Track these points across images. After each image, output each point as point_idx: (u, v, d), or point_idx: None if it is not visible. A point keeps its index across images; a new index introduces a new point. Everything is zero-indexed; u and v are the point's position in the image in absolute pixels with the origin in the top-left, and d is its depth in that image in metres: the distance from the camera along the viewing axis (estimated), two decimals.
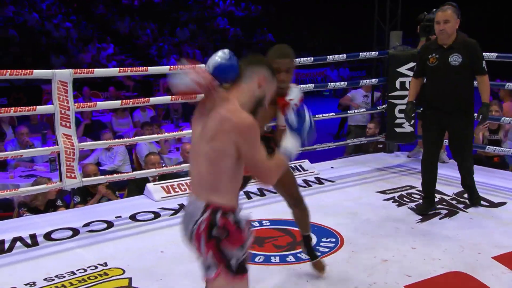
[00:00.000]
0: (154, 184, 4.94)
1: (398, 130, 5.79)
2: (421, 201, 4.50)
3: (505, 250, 3.56)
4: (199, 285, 3.12)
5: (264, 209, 4.50)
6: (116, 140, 6.37)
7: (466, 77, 4.02)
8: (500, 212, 4.38)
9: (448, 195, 4.74)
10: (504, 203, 4.57)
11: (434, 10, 5.65)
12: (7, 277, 3.33)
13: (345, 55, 5.95)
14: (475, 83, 4.18)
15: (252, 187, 4.74)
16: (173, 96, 4.91)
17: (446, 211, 4.38)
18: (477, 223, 4.13)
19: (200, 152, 2.04)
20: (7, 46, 16.07)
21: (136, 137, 6.14)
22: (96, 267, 3.43)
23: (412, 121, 4.74)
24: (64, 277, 3.31)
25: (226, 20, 22.61)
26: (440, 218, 4.22)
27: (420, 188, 4.64)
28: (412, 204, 4.53)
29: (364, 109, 7.17)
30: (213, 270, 1.98)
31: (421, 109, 4.50)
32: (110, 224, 4.23)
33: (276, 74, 2.22)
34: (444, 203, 4.56)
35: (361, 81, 6.76)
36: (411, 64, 5.58)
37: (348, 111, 7.42)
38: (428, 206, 4.29)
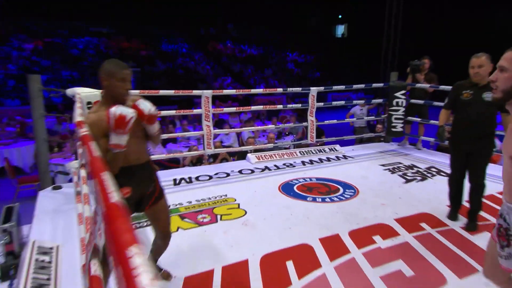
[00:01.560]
0: (251, 154, 5.04)
1: (393, 129, 5.69)
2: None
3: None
4: (275, 210, 3.38)
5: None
6: (232, 129, 6.70)
7: (494, 110, 2.89)
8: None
9: (421, 168, 4.58)
10: None
11: (422, 57, 5.51)
12: (177, 198, 3.56)
13: (363, 85, 5.88)
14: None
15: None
16: (264, 106, 5.12)
17: (420, 178, 4.22)
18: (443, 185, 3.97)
19: None
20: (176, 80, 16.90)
21: (242, 128, 6.42)
22: (221, 197, 3.61)
23: (445, 141, 3.40)
24: (204, 200, 3.52)
25: (293, 64, 22.49)
26: (416, 182, 4.12)
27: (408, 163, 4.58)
28: (400, 173, 4.40)
29: (363, 118, 7.14)
30: None
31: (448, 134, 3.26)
32: (228, 174, 4.38)
33: None
34: (419, 172, 4.40)
35: (372, 100, 6.66)
36: (403, 91, 5.48)
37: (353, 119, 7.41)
38: (453, 214, 3.13)
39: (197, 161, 5.13)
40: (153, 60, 18.86)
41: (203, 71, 19.33)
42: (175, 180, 4.18)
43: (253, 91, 5.55)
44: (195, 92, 4.50)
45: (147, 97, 1.96)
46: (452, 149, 3.12)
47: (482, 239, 2.70)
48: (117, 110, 1.66)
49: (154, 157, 4.15)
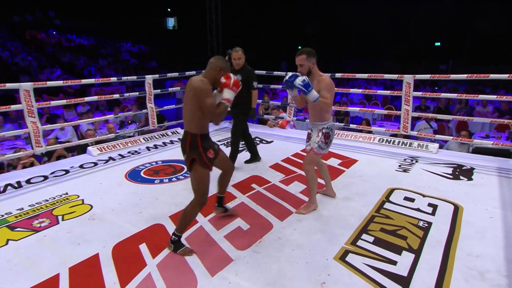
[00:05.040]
0: (92, 147, 4.43)
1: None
2: None
3: None
4: (123, 198, 3.09)
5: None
6: (66, 123, 5.68)
7: (245, 89, 3.38)
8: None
9: None
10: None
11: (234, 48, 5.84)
12: (3, 207, 2.85)
13: (195, 71, 5.86)
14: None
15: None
16: (99, 96, 4.50)
17: None
18: (267, 151, 4.44)
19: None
20: None
21: (79, 121, 5.52)
22: (61, 196, 3.08)
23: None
24: (40, 203, 2.92)
25: (128, 54, 20.66)
26: (246, 151, 4.44)
27: None
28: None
29: None
30: None
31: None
32: (67, 171, 3.73)
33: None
34: None
35: None
36: None
37: None
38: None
39: (32, 164, 4.15)
40: None
41: (24, 62, 15.54)
42: None
43: (84, 81, 4.73)
44: (9, 85, 3.57)
45: None
46: (243, 120, 3.73)
47: (294, 187, 3.17)
48: (234, 76, 2.19)
49: None
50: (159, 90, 5.54)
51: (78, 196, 3.06)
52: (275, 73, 5.38)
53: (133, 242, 2.32)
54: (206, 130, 2.18)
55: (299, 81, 2.37)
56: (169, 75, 5.71)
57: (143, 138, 5.00)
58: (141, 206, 2.87)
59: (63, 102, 4.44)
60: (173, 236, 2.20)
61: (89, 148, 4.41)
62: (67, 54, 17.84)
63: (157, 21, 27.08)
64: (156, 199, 3.00)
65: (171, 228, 2.48)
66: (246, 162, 3.92)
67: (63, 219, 2.64)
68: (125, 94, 5.40)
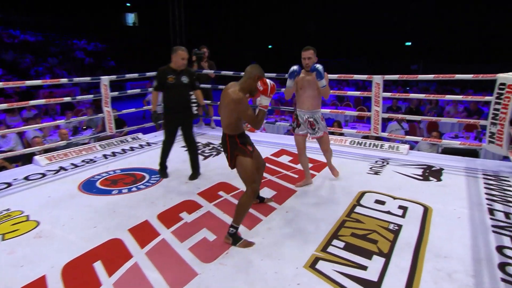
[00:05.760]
0: (40, 156, 4.22)
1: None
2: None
3: None
4: (75, 212, 2.96)
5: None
6: (9, 130, 5.36)
7: (189, 90, 3.58)
8: None
9: (216, 144, 4.89)
10: None
11: (200, 47, 5.84)
12: None
13: (155, 72, 5.76)
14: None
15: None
16: (47, 100, 4.30)
17: (215, 153, 4.52)
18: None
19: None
20: None
21: (24, 127, 5.24)
22: (1, 212, 2.91)
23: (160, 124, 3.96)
24: None
25: (83, 53, 19.92)
26: (213, 157, 4.38)
27: (205, 142, 4.85)
28: (199, 151, 4.62)
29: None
30: None
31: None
32: (9, 184, 3.52)
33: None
34: (214, 148, 4.69)
35: None
36: None
37: None
38: (165, 172, 3.76)
39: None
40: None
41: None
42: None
43: (29, 82, 4.49)
44: None
45: None
46: (167, 123, 3.62)
47: (264, 193, 3.20)
48: (270, 82, 2.38)
49: None
50: (117, 93, 5.41)
51: (22, 212, 2.91)
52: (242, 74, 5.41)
53: (86, 260, 2.24)
54: (242, 129, 2.51)
55: (319, 67, 3.06)
56: (128, 76, 5.58)
57: (100, 145, 4.84)
58: (96, 220, 2.78)
59: (3, 106, 4.20)
60: (231, 229, 2.39)
61: (36, 157, 4.20)
62: (10, 51, 16.88)
63: (115, 16, 26.34)
64: (114, 212, 2.91)
65: (129, 242, 2.42)
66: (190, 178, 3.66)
67: (3, 239, 2.50)
68: (77, 97, 5.21)
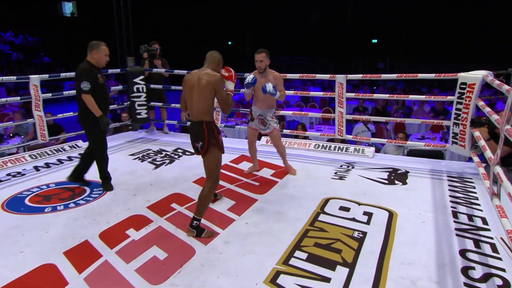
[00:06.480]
0: None
1: (138, 117, 5.82)
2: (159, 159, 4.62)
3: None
4: (10, 236, 2.78)
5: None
6: None
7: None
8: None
9: (169, 151, 4.91)
10: None
11: (152, 43, 5.77)
12: None
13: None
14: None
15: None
16: None
17: (168, 161, 4.50)
18: (189, 163, 4.45)
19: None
20: None
21: None
22: None
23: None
24: None
25: (8, 47, 18.76)
26: (165, 165, 4.37)
27: (156, 149, 4.77)
28: (150, 159, 4.56)
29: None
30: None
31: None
32: None
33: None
34: (167, 156, 4.68)
35: (111, 88, 6.46)
36: (141, 77, 5.64)
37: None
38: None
39: None
40: None
41: None
42: None
43: None
44: None
45: None
46: (101, 132, 3.54)
47: (221, 204, 3.21)
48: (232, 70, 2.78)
49: None
50: (51, 94, 5.17)
51: None
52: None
53: None
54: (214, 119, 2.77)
55: (270, 88, 3.44)
56: (63, 75, 5.34)
57: (30, 155, 4.59)
58: (24, 243, 2.63)
59: None
60: (194, 221, 2.65)
61: None
62: None
63: (49, 5, 25.10)
64: (46, 233, 2.78)
65: (64, 267, 2.32)
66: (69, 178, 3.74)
67: None
68: (2, 99, 4.91)
